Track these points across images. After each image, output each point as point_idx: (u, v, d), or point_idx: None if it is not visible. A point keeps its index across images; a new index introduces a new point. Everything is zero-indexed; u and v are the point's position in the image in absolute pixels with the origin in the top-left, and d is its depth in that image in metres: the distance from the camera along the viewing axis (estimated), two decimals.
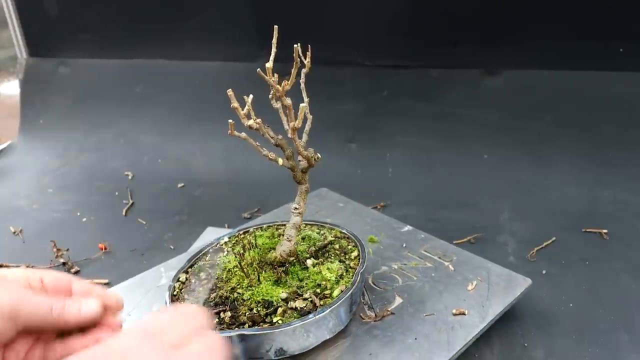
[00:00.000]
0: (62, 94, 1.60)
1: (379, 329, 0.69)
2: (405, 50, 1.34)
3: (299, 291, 0.66)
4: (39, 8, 1.57)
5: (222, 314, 0.63)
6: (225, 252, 0.76)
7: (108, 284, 0.95)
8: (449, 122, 1.30)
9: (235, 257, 0.71)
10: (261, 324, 0.61)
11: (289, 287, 0.67)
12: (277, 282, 0.67)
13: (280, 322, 0.61)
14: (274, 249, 0.72)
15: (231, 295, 0.66)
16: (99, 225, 1.16)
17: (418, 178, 1.24)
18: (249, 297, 0.65)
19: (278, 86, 0.61)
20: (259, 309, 0.63)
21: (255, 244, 0.75)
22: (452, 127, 1.30)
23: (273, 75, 0.61)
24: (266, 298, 0.64)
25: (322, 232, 0.80)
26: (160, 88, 1.52)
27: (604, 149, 1.19)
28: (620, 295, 0.84)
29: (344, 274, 0.70)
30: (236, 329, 0.61)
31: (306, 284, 0.67)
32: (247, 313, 0.63)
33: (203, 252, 0.77)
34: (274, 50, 0.61)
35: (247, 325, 0.62)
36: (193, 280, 0.70)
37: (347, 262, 0.73)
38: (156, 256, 1.01)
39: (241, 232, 0.81)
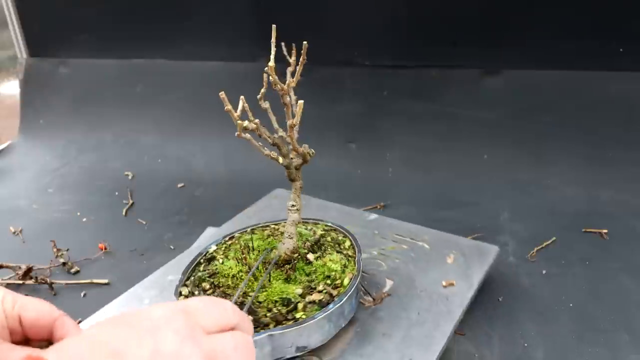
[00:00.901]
0: (62, 94, 1.60)
1: (381, 310, 0.72)
2: (405, 50, 1.34)
3: (311, 285, 0.67)
4: (39, 8, 1.57)
5: None
6: (221, 260, 0.74)
7: (108, 284, 0.95)
8: (449, 122, 1.30)
9: (238, 262, 0.71)
10: (284, 322, 0.62)
11: (299, 282, 0.67)
12: (287, 280, 0.68)
13: (304, 316, 0.62)
14: (275, 248, 0.72)
15: (245, 300, 0.65)
16: (99, 225, 1.16)
17: (418, 178, 1.24)
18: (264, 298, 0.65)
19: (283, 85, 0.61)
20: (279, 308, 0.63)
21: (253, 247, 0.74)
22: (452, 127, 1.30)
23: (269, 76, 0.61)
24: (283, 296, 0.65)
25: (309, 227, 0.80)
26: (160, 88, 1.52)
27: (604, 149, 1.19)
28: (620, 295, 0.84)
29: (347, 262, 0.71)
30: (262, 330, 0.60)
31: (315, 277, 0.69)
32: (268, 314, 0.62)
33: (195, 262, 0.74)
34: (273, 49, 0.61)
35: (271, 325, 0.61)
36: (196, 293, 0.68)
37: (344, 252, 0.74)
38: (156, 256, 1.01)
39: (227, 238, 0.79)
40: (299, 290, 0.66)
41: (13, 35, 1.62)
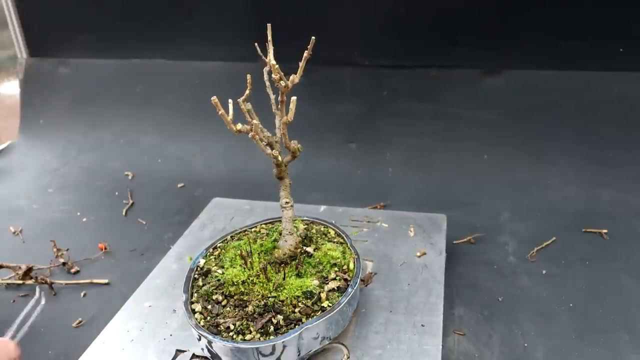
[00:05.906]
0: (62, 94, 1.60)
1: (375, 289, 0.76)
2: (405, 50, 1.34)
3: (323, 274, 0.68)
4: (39, 8, 1.57)
5: (273, 320, 0.62)
6: (221, 271, 0.71)
7: (108, 284, 0.95)
8: (449, 122, 1.30)
9: (245, 269, 0.69)
10: (312, 314, 0.62)
11: (311, 275, 0.68)
12: (299, 275, 0.69)
13: (330, 305, 0.63)
14: (276, 247, 0.72)
15: (268, 302, 0.64)
16: (99, 225, 1.16)
17: (418, 178, 1.24)
18: (285, 296, 0.65)
19: (287, 82, 0.61)
20: (304, 302, 0.64)
21: (251, 251, 0.73)
22: (452, 127, 1.30)
23: (271, 76, 0.61)
24: (304, 290, 0.65)
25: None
26: (160, 88, 1.52)
27: (604, 149, 1.19)
28: (620, 295, 0.84)
29: (343, 249, 0.73)
30: (297, 327, 0.60)
31: (323, 267, 0.70)
32: (295, 310, 0.63)
33: (190, 279, 0.71)
34: (271, 47, 0.61)
35: (303, 319, 0.62)
36: (209, 307, 0.66)
37: (334, 240, 0.75)
38: (156, 256, 1.01)
39: (210, 249, 0.77)
40: (316, 282, 0.67)
41: (13, 35, 1.62)
